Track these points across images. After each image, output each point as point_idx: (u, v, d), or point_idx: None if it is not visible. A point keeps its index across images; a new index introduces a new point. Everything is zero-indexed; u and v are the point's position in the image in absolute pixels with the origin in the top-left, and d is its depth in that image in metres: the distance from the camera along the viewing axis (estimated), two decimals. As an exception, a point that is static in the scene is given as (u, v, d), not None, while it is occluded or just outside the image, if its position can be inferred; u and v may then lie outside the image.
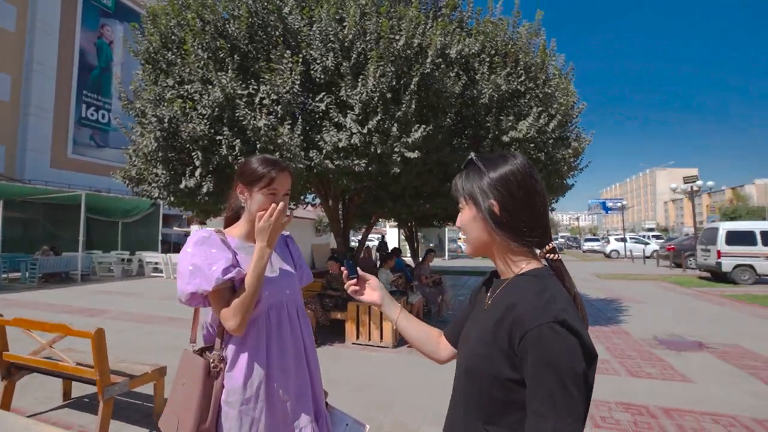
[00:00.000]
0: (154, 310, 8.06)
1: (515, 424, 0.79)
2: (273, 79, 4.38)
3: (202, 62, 4.46)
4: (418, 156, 4.49)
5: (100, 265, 13.91)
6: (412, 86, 4.51)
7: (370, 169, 4.71)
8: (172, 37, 4.89)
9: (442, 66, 4.73)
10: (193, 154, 4.43)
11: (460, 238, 37.26)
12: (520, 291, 0.82)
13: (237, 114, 4.24)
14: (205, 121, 4.51)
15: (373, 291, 1.15)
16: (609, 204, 45.65)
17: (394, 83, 4.53)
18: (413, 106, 4.53)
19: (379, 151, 4.55)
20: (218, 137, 4.55)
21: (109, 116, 27.02)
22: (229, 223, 1.43)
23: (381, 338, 5.49)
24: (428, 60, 4.57)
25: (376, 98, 4.43)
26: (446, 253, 26.54)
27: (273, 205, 1.27)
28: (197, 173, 4.48)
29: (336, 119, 4.60)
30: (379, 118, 4.42)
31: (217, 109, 4.40)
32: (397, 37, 4.48)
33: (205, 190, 4.49)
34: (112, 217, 15.85)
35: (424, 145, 4.76)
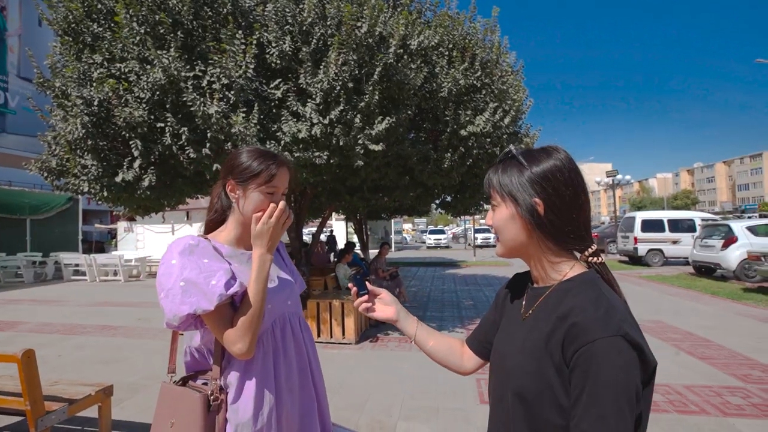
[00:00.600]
0: (82, 318, 7.15)
1: None
2: (224, 61, 4.00)
3: (138, 38, 3.93)
4: (382, 148, 4.39)
5: (4, 270, 12.05)
6: (375, 76, 4.38)
7: (331, 161, 4.52)
8: (98, 6, 4.26)
9: (404, 57, 4.65)
10: (131, 143, 3.91)
11: (404, 230, 37.92)
12: (572, 299, 0.75)
13: (183, 98, 3.81)
14: (144, 105, 4.00)
15: (386, 306, 1.05)
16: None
17: (356, 72, 4.37)
18: (376, 97, 4.41)
19: (341, 143, 4.37)
20: (159, 124, 4.07)
21: (6, 96, 23.33)
22: (211, 227, 1.22)
23: (343, 335, 5.37)
24: (391, 50, 4.46)
25: (338, 87, 4.23)
26: (392, 245, 26.91)
27: (272, 204, 1.09)
28: (136, 165, 3.97)
29: (294, 108, 4.33)
30: (341, 108, 4.24)
31: (158, 93, 3.92)
32: (359, 24, 4.31)
33: (146, 183, 3.99)
34: (17, 214, 13.75)
35: (387, 137, 4.67)
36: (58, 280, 12.50)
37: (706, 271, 11.44)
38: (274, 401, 1.08)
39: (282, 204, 1.11)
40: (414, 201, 7.62)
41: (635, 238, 14.04)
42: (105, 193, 4.07)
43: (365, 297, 1.03)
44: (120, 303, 8.74)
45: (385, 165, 5.55)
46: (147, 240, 14.07)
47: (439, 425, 3.12)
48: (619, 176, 18.97)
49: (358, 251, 14.38)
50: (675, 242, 13.81)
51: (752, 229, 10.45)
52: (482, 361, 1.02)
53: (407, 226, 42.94)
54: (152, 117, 4.04)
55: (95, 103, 3.86)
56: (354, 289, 1.04)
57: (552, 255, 0.81)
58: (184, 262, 1.01)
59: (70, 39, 4.32)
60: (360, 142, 4.38)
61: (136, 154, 3.93)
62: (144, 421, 3.24)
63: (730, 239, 10.34)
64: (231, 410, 1.04)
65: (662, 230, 14.00)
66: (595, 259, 0.81)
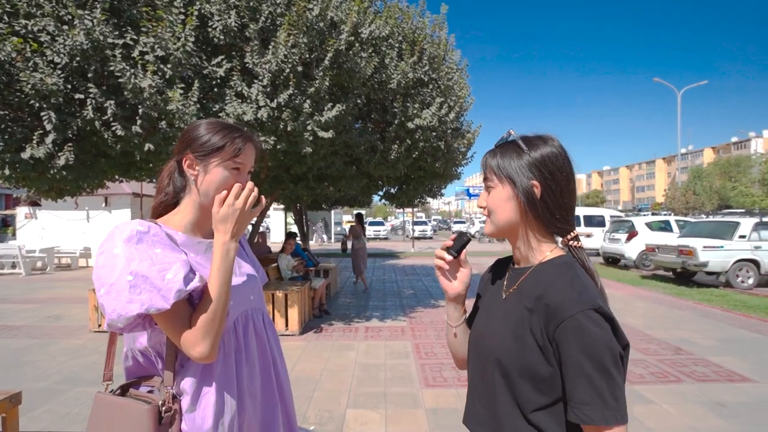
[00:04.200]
0: (-32, 318, 6.11)
1: (555, 410, 0.77)
2: (159, 30, 3.63)
3: (52, -7, 3.41)
4: (332, 136, 4.32)
5: None
6: (325, 62, 4.28)
7: (278, 147, 4.35)
8: (-2, -48, 3.61)
9: (356, 45, 4.60)
10: (43, 114, 3.39)
11: (344, 222, 37.75)
12: (550, 279, 0.80)
13: (110, 68, 3.39)
14: (59, 71, 3.50)
15: (458, 282, 0.96)
16: (472, 190, 51.82)
17: (306, 56, 4.23)
18: (327, 83, 4.31)
19: (289, 128, 4.22)
20: (79, 95, 3.60)
21: None
22: (160, 211, 1.06)
23: (287, 326, 5.25)
24: (342, 36, 4.39)
25: (287, 70, 4.07)
26: (333, 236, 26.65)
27: (237, 184, 0.97)
28: (49, 140, 3.46)
29: (239, 89, 4.08)
30: (290, 92, 4.09)
31: (78, 59, 3.45)
32: (311, 6, 4.17)
33: (62, 162, 3.50)
34: None
35: (336, 125, 4.60)
36: (-66, 275, 10.54)
37: (612, 261, 12.98)
38: (236, 408, 0.97)
39: (250, 184, 1.00)
40: (358, 191, 7.62)
41: (556, 232, 15.45)
42: (8, 171, 3.49)
43: (450, 258, 0.93)
44: (21, 300, 7.62)
45: (332, 154, 5.46)
46: (54, 228, 12.33)
47: (388, 410, 3.20)
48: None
49: (299, 242, 14.04)
50: (589, 236, 15.44)
51: (649, 225, 12.06)
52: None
53: (346, 217, 42.84)
54: (69, 86, 3.55)
55: (-5, 64, 3.29)
56: (450, 243, 0.94)
57: (537, 236, 0.86)
58: (131, 251, 0.87)
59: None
60: (309, 128, 4.27)
61: (49, 127, 3.42)
62: (61, 430, 2.90)
63: (632, 233, 11.84)
64: (188, 420, 0.92)
65: (578, 225, 15.59)
66: (576, 243, 0.86)
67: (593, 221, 15.62)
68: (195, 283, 0.90)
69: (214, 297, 0.91)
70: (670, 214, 23.77)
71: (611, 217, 15.18)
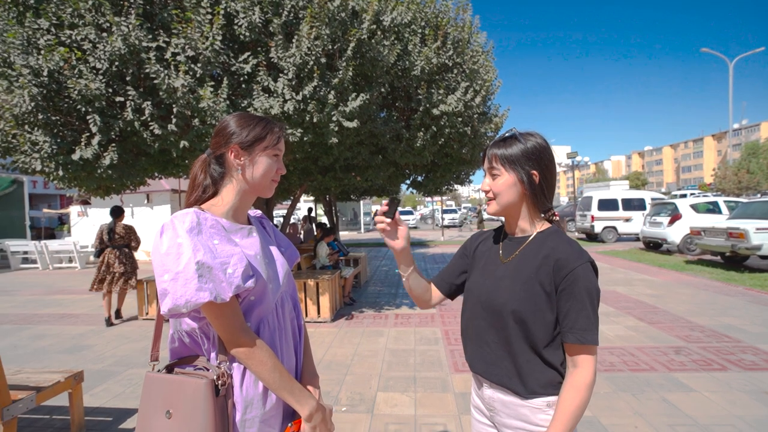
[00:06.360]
0: (36, 307, 6.74)
1: (556, 343, 1.01)
2: (188, 31, 3.78)
3: (90, 2, 3.63)
4: (357, 126, 4.36)
5: (-62, 259, 11.03)
6: (348, 52, 4.30)
7: (305, 139, 4.44)
8: (42, -33, 3.86)
9: (378, 33, 4.59)
10: (89, 117, 3.64)
11: (373, 212, 38.05)
12: (552, 242, 1.03)
13: (146, 70, 3.58)
14: (101, 77, 3.73)
15: (400, 239, 1.15)
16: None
17: (329, 47, 4.27)
18: (350, 74, 4.34)
19: (315, 120, 4.30)
20: (119, 98, 3.82)
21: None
22: (192, 203, 1.10)
23: (318, 313, 5.41)
24: (364, 25, 4.39)
25: (311, 62, 4.13)
26: (362, 227, 26.91)
27: None
28: (95, 141, 3.72)
29: (266, 83, 4.19)
30: (315, 84, 4.15)
31: (117, 63, 3.66)
32: (332, -3, 4.19)
33: (107, 162, 3.75)
34: (-50, 197, 12.54)
35: (361, 114, 4.64)
36: (5, 270, 11.61)
37: (654, 246, 12.34)
38: None
39: None
40: (385, 181, 7.65)
41: (592, 217, 14.86)
42: (61, 172, 3.79)
43: (389, 220, 1.11)
44: (79, 291, 8.28)
45: (357, 143, 5.52)
46: (103, 224, 13.26)
47: (417, 393, 3.27)
48: (579, 158, 19.86)
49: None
50: (627, 220, 14.75)
51: (694, 207, 11.35)
52: (444, 297, 1.27)
53: (375, 207, 42.89)
54: (111, 90, 3.78)
55: (44, 73, 3.55)
56: (384, 208, 1.09)
57: (534, 213, 1.08)
58: (195, 242, 0.92)
59: (9, 0, 3.91)
60: (334, 119, 4.33)
61: (94, 129, 3.67)
62: (117, 406, 3.17)
63: (675, 216, 11.19)
64: (239, 391, 1.00)
65: (616, 209, 14.89)
66: (555, 217, 1.12)
67: (632, 204, 14.87)
68: (250, 283, 0.98)
69: (276, 382, 1.01)
70: (719, 195, 22.22)
71: (652, 199, 14.37)
